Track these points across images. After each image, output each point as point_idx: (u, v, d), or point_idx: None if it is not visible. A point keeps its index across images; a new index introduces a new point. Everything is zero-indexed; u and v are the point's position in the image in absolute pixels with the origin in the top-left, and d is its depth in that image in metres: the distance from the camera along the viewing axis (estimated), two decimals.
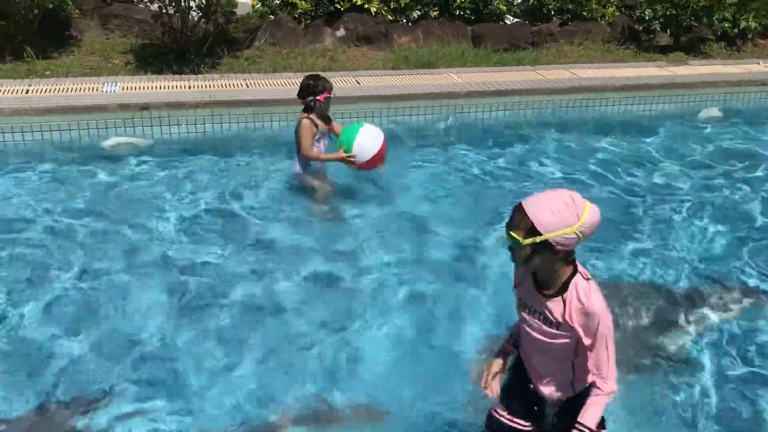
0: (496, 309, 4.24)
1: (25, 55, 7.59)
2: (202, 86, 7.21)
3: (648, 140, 7.32)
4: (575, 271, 2.50)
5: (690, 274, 4.80)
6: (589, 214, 2.37)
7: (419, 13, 9.69)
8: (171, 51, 8.01)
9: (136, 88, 7.07)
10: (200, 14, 7.96)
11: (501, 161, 6.65)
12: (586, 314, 2.46)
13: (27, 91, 6.82)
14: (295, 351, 3.89)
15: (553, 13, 10.30)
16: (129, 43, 8.29)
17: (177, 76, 7.52)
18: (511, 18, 10.38)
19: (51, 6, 7.80)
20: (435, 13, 9.78)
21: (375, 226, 5.24)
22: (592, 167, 6.58)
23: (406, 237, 5.13)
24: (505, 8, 10.03)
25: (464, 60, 8.80)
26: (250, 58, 8.26)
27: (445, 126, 7.38)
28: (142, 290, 4.36)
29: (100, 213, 5.28)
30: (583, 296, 2.46)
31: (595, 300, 2.46)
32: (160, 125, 6.66)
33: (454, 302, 4.35)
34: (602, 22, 10.21)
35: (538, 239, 2.36)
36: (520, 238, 2.38)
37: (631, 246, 5.13)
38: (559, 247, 2.38)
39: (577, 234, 2.36)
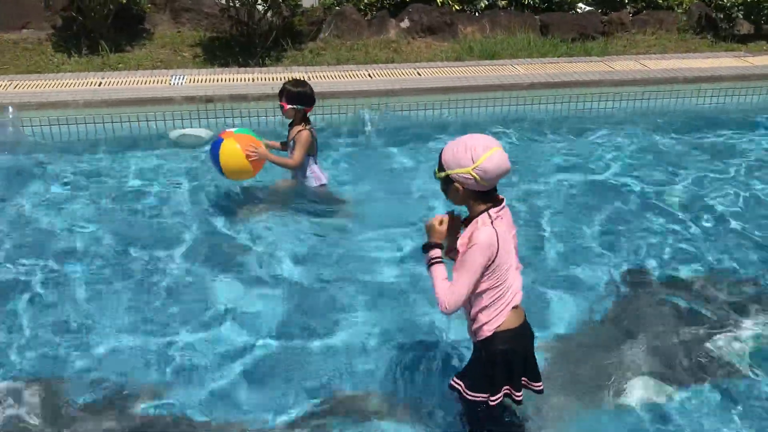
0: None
1: (99, 49, 7.92)
2: (265, 79, 7.35)
3: (719, 135, 7.01)
4: (487, 211, 2.76)
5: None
6: (487, 160, 2.66)
7: (486, 2, 9.56)
8: (237, 44, 8.19)
9: (202, 80, 7.26)
10: (266, 7, 8.10)
11: (559, 154, 6.51)
12: (468, 245, 2.74)
13: (100, 84, 7.11)
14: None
15: (626, 1, 9.96)
16: (198, 36, 8.51)
17: (242, 69, 7.69)
18: (583, 7, 10.11)
19: (125, 1, 8.11)
20: (503, 2, 9.62)
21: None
22: (656, 162, 6.35)
23: None
24: None
25: (530, 50, 8.64)
26: (314, 51, 8.35)
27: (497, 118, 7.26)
28: (203, 278, 4.51)
29: (166, 198, 5.50)
30: (475, 229, 2.75)
31: (481, 234, 2.72)
32: (224, 117, 6.83)
33: None
34: (678, 11, 9.81)
35: (441, 174, 2.80)
36: (435, 171, 2.84)
37: (702, 244, 4.98)
38: (457, 185, 2.75)
39: (472, 175, 2.69)
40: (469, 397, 2.97)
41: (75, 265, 4.60)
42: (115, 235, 4.97)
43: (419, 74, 7.66)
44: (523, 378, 2.99)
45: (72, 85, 7.07)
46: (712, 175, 6.10)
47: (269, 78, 7.37)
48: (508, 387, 2.95)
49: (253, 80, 7.29)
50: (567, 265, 4.73)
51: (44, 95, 6.76)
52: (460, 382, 3.00)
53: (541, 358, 3.26)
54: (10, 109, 6.39)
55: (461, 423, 3.23)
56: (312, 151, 5.12)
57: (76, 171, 5.97)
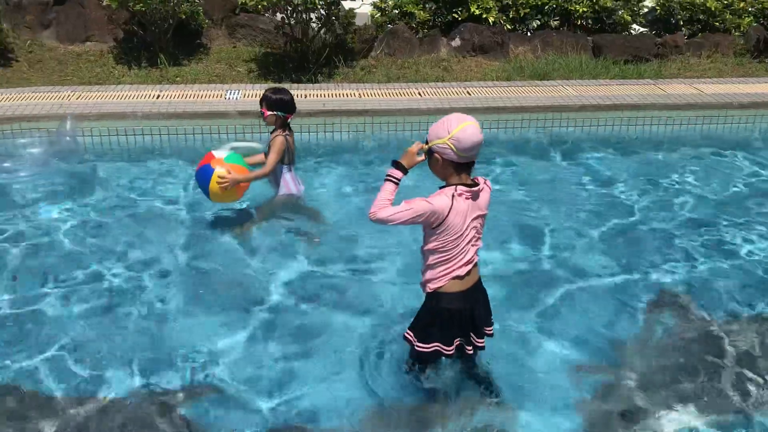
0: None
1: (159, 62, 8.17)
2: (317, 95, 7.48)
3: None
4: (456, 186, 3.12)
5: None
6: (460, 131, 3.02)
7: (539, 22, 9.56)
8: (291, 60, 8.36)
9: (256, 95, 7.42)
10: (320, 25, 8.25)
11: (608, 177, 6.46)
12: (426, 197, 3.12)
13: (158, 96, 7.34)
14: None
15: (682, 23, 9.84)
16: (253, 51, 8.71)
17: (294, 85, 7.84)
18: (637, 28, 10.02)
19: (184, 16, 8.37)
20: (555, 22, 9.61)
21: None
22: (707, 188, 6.25)
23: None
24: (629, 18, 9.70)
25: (582, 72, 8.60)
26: (366, 68, 8.47)
27: (543, 139, 7.24)
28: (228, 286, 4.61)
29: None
30: (438, 193, 3.14)
31: (436, 198, 3.11)
32: None
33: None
34: (735, 34, 9.65)
35: (425, 146, 3.13)
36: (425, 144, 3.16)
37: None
38: (437, 155, 3.10)
39: (448, 145, 3.04)
40: (420, 349, 3.35)
41: (131, 272, 4.75)
42: (165, 244, 5.12)
43: (469, 93, 7.70)
44: (485, 327, 3.42)
45: (131, 96, 7.31)
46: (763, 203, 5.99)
47: (321, 94, 7.50)
48: (459, 339, 3.34)
49: (306, 96, 7.43)
50: (624, 288, 4.69)
51: (105, 106, 7.00)
52: (411, 333, 3.39)
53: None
54: (69, 119, 6.63)
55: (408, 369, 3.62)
56: (286, 158, 5.10)
57: (133, 180, 6.15)
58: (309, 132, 7.03)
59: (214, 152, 4.97)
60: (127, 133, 6.81)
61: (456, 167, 3.13)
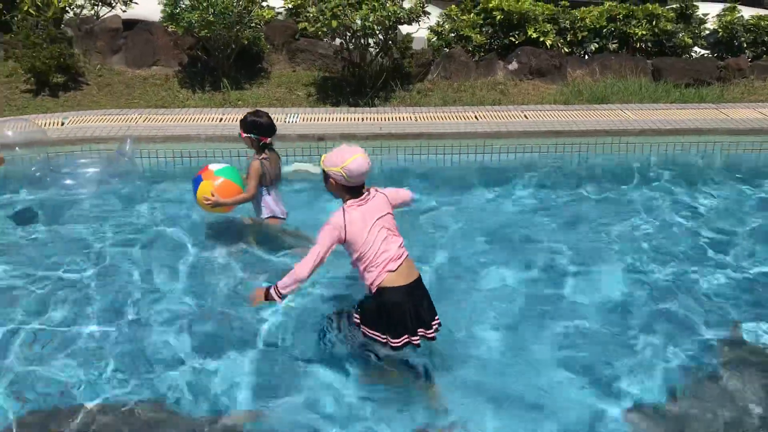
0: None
1: (221, 86, 8.41)
2: (373, 118, 7.58)
3: None
4: (346, 201, 3.78)
5: None
6: (352, 162, 3.67)
7: (597, 45, 9.49)
8: (348, 84, 8.50)
9: (314, 119, 7.58)
10: (378, 50, 8.38)
11: (667, 203, 6.34)
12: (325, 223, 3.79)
13: (221, 120, 7.55)
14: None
15: (745, 45, 9.64)
16: (312, 76, 8.89)
17: (352, 109, 7.97)
18: (698, 51, 9.85)
19: (246, 42, 8.61)
20: (614, 45, 9.53)
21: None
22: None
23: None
24: (690, 41, 9.55)
25: (641, 95, 8.50)
26: (422, 91, 8.55)
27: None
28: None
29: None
30: (334, 215, 3.77)
31: (332, 217, 3.77)
32: None
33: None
34: None
35: (320, 168, 3.81)
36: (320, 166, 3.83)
37: None
38: (332, 180, 3.77)
39: (341, 173, 3.68)
40: (367, 333, 3.87)
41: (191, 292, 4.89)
42: (225, 260, 5.25)
43: (526, 117, 7.69)
44: (419, 329, 3.83)
45: (195, 119, 7.55)
46: None
47: (378, 118, 7.60)
48: (406, 335, 3.79)
49: (363, 119, 7.54)
50: (678, 316, 4.61)
51: (170, 129, 7.24)
52: (358, 317, 3.92)
53: None
54: (128, 140, 6.81)
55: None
56: (266, 180, 5.14)
57: (190, 202, 6.31)
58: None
59: (210, 165, 5.18)
60: (191, 155, 7.03)
61: (347, 189, 3.79)
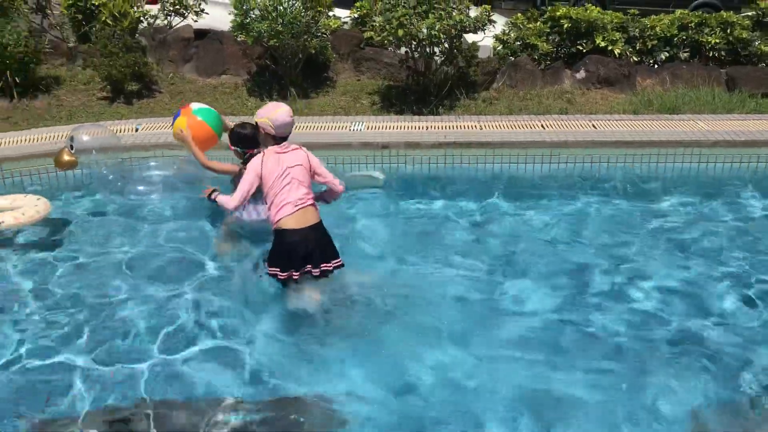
0: None
1: (288, 95, 8.54)
2: (438, 127, 7.57)
3: None
4: (272, 147, 4.65)
5: None
6: (277, 113, 4.62)
7: (667, 54, 9.26)
8: (413, 92, 8.52)
9: (378, 127, 7.61)
10: (443, 58, 8.37)
11: (742, 217, 6.12)
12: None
13: None
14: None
15: None
16: (376, 84, 8.95)
17: (416, 117, 7.97)
18: None
19: (313, 51, 8.73)
20: (685, 54, 9.28)
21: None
22: None
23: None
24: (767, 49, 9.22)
25: (714, 105, 8.24)
26: (487, 100, 8.49)
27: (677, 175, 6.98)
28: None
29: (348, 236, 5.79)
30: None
31: (253, 159, 4.70)
32: (398, 163, 7.11)
33: None
34: None
35: (255, 120, 4.76)
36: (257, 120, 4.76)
37: None
38: (261, 129, 4.72)
39: (268, 123, 4.63)
40: (269, 271, 4.59)
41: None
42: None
43: (594, 126, 7.54)
44: (322, 264, 4.57)
45: None
46: None
47: (442, 126, 7.58)
48: (292, 270, 4.51)
49: (427, 128, 7.54)
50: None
51: None
52: (267, 260, 4.64)
53: None
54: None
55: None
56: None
57: None
58: (430, 164, 7.12)
59: (192, 103, 5.75)
60: None
61: (272, 138, 4.65)
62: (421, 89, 8.49)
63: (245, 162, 5.14)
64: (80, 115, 8.07)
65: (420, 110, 8.21)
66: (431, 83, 8.44)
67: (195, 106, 5.64)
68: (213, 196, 4.94)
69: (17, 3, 9.24)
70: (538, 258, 5.44)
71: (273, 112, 4.58)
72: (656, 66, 9.23)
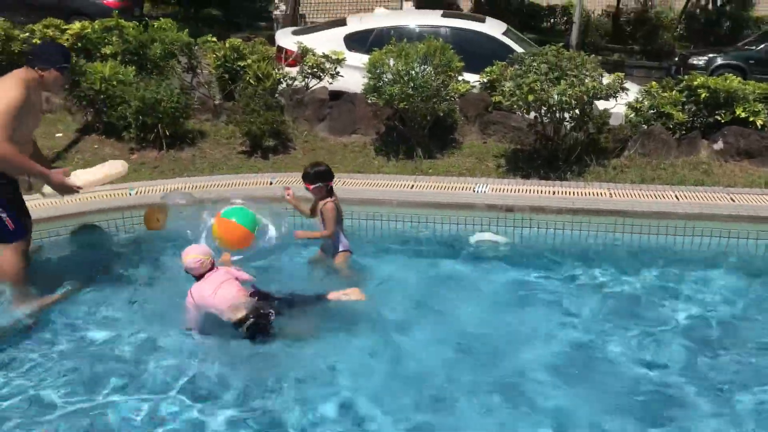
0: None
1: (414, 155, 8.72)
2: (565, 192, 7.45)
3: None
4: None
5: None
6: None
7: None
8: (540, 157, 8.46)
9: (503, 190, 7.59)
10: (573, 124, 8.30)
11: None
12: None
13: (412, 186, 7.80)
14: None
15: None
16: (503, 147, 8.97)
17: (543, 182, 7.90)
18: None
19: (441, 114, 8.91)
20: None
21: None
22: None
23: None
24: None
25: None
26: (618, 168, 8.29)
27: None
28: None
29: (454, 300, 5.78)
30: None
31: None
32: (522, 227, 7.03)
33: None
34: None
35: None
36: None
37: None
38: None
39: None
40: None
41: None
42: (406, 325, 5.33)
43: (732, 200, 7.17)
44: None
45: (388, 185, 7.85)
46: None
47: (570, 192, 7.46)
48: None
49: (554, 193, 7.44)
50: None
51: (365, 193, 7.58)
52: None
53: None
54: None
55: None
56: (339, 219, 5.84)
57: (382, 263, 6.52)
58: (555, 229, 6.99)
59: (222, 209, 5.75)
60: (383, 218, 7.29)
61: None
62: (548, 154, 8.43)
63: (328, 193, 5.77)
64: (221, 167, 8.59)
65: (547, 175, 8.13)
66: (560, 148, 8.36)
67: (224, 209, 5.68)
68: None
69: (172, 63, 10.09)
70: (676, 336, 5.17)
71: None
72: None
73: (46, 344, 5.17)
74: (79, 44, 10.36)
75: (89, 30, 10.44)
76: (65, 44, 10.04)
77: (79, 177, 5.70)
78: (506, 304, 5.70)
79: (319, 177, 5.75)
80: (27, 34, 10.24)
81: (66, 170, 5.70)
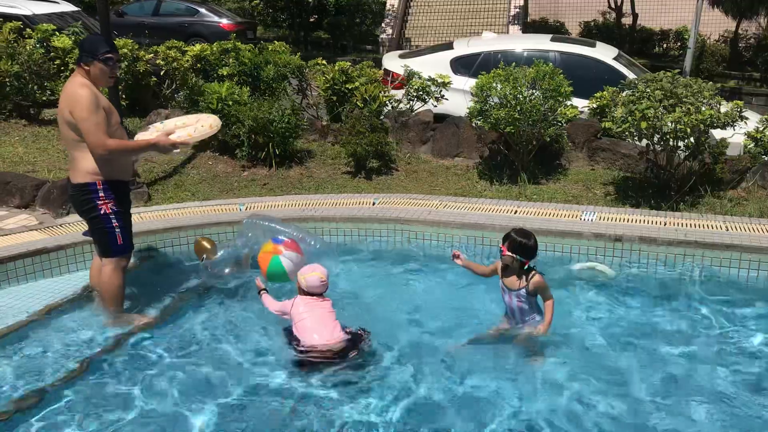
0: None
1: (518, 180, 8.63)
2: (678, 224, 7.15)
3: None
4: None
5: None
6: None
7: None
8: (651, 186, 8.18)
9: (611, 218, 7.37)
10: (687, 153, 7.98)
11: None
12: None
13: (515, 212, 7.70)
14: None
15: None
16: (611, 175, 8.73)
17: (653, 212, 7.61)
18: None
19: (548, 139, 8.78)
20: None
21: None
22: None
23: None
24: None
25: None
26: (735, 200, 7.89)
27: None
28: None
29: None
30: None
31: None
32: (630, 257, 6.79)
33: None
34: None
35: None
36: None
37: None
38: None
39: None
40: None
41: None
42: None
43: None
44: None
45: (490, 210, 7.79)
46: None
47: (682, 223, 7.15)
48: None
49: (665, 224, 7.15)
50: None
51: (466, 216, 7.55)
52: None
53: None
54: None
55: None
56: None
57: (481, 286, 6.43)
58: (666, 264, 6.70)
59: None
60: (484, 243, 7.23)
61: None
62: (660, 183, 8.13)
63: (521, 269, 5.09)
64: (326, 187, 8.79)
65: (658, 205, 7.84)
66: (672, 178, 8.05)
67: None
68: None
69: (284, 84, 10.45)
70: None
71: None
72: None
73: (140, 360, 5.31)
74: (198, 65, 10.93)
75: (208, 52, 11.00)
76: (185, 65, 10.63)
77: (178, 134, 5.54)
78: (611, 336, 5.50)
79: (521, 250, 5.00)
80: (151, 55, 10.89)
81: (161, 131, 5.58)
